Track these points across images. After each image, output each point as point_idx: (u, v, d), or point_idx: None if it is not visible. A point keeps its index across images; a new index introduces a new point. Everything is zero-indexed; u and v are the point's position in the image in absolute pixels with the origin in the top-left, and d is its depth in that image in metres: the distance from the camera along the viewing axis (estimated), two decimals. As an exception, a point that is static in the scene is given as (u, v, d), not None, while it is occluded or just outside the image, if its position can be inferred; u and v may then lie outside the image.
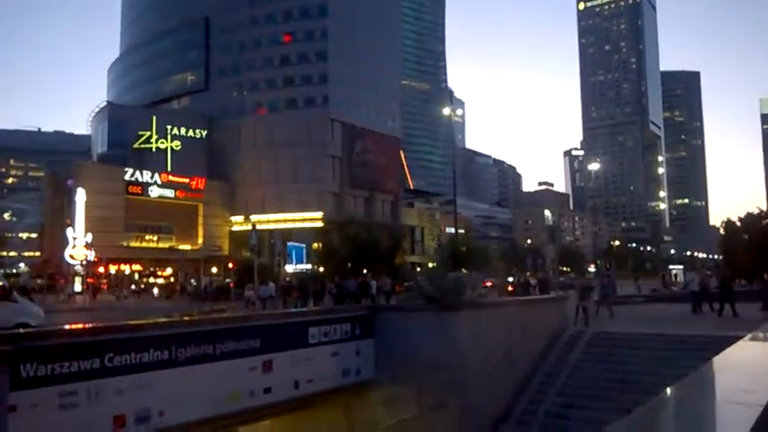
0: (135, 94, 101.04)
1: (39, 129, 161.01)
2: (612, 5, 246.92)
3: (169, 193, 77.64)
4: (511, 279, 51.11)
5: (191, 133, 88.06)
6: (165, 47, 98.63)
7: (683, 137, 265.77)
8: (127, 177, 73.76)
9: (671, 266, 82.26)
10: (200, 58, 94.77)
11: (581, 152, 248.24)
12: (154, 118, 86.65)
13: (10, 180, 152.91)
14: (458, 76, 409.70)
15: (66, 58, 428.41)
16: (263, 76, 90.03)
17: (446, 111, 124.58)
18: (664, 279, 56.35)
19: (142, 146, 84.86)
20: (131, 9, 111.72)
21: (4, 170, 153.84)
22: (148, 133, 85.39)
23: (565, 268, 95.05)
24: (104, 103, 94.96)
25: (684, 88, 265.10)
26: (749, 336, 7.15)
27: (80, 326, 16.46)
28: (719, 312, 23.04)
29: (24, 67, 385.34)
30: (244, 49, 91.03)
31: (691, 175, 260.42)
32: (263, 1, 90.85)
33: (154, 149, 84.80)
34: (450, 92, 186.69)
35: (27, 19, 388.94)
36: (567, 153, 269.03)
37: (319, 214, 78.45)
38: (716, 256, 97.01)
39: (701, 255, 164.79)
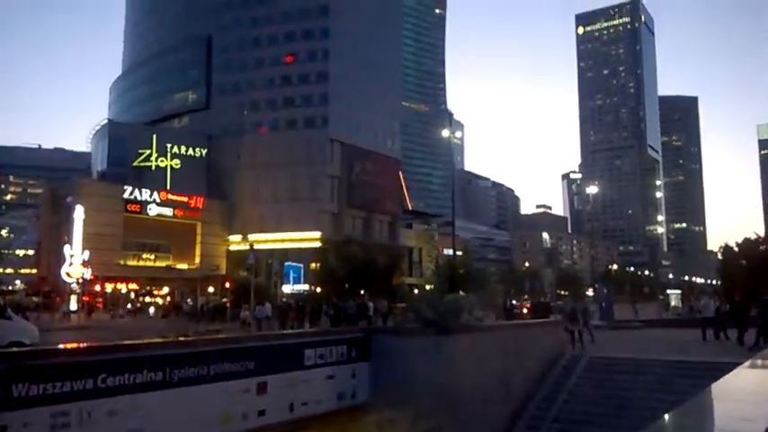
0: (136, 111, 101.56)
1: (39, 145, 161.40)
2: (611, 30, 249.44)
3: (168, 211, 77.59)
4: (515, 302, 50.91)
5: (190, 152, 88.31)
6: (166, 65, 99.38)
7: (680, 161, 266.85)
8: (126, 195, 73.76)
9: (669, 291, 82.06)
10: (201, 77, 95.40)
11: (579, 175, 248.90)
12: (154, 136, 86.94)
13: (8, 196, 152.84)
14: (457, 98, 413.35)
15: (68, 76, 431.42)
16: (263, 95, 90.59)
17: (445, 133, 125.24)
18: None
19: (142, 164, 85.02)
20: (134, 27, 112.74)
21: (3, 187, 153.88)
22: (148, 151, 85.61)
23: (563, 292, 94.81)
24: (105, 121, 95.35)
25: (682, 113, 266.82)
26: (748, 363, 7.09)
27: (74, 345, 16.33)
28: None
29: (26, 84, 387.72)
30: (245, 69, 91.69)
31: (689, 200, 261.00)
32: (265, 21, 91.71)
33: (153, 168, 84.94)
34: (450, 114, 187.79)
35: (29, 36, 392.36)
36: (566, 176, 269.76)
37: (317, 234, 78.37)
38: (714, 282, 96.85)
39: (699, 280, 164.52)
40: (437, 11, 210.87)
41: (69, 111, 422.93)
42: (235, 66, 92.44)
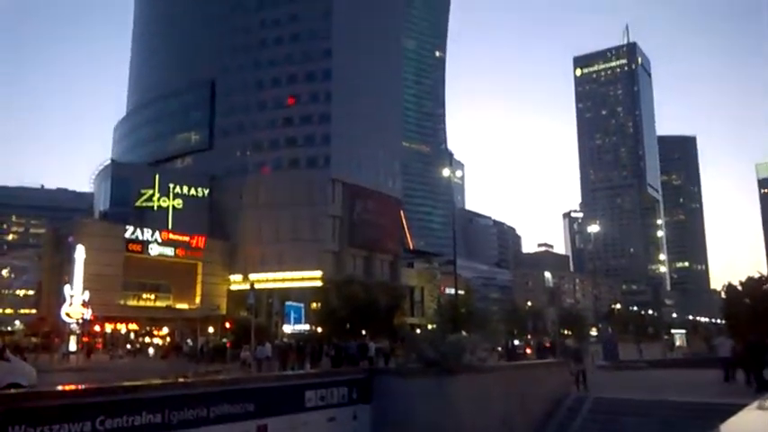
0: (139, 152, 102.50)
1: (42, 186, 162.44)
2: (609, 72, 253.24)
3: (169, 251, 77.54)
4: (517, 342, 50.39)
5: (193, 192, 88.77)
6: (170, 107, 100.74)
7: (681, 200, 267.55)
8: (127, 235, 73.82)
9: (673, 330, 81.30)
10: (204, 119, 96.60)
11: (580, 214, 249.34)
12: (157, 176, 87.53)
13: (10, 236, 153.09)
14: (458, 137, 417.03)
15: (72, 117, 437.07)
16: (266, 136, 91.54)
17: (446, 172, 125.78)
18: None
19: (144, 204, 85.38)
20: (139, 69, 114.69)
21: (5, 226, 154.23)
22: (151, 191, 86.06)
23: (566, 331, 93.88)
24: (108, 162, 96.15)
25: (681, 153, 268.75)
26: (755, 404, 6.99)
27: (72, 387, 16.13)
28: (748, 381, 20.54)
29: (30, 124, 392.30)
30: (248, 110, 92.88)
31: (690, 239, 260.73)
32: (268, 64, 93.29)
33: (155, 208, 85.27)
34: (450, 154, 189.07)
35: (34, 77, 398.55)
36: (567, 215, 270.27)
37: (318, 273, 78.15)
38: (718, 321, 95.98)
39: (703, 319, 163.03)
40: (437, 54, 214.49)
41: (73, 151, 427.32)
42: (238, 107, 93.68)
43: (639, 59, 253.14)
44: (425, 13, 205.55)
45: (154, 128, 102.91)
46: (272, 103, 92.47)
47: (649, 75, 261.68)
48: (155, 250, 75.90)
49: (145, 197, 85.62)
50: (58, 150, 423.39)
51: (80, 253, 61.86)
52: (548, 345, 37.47)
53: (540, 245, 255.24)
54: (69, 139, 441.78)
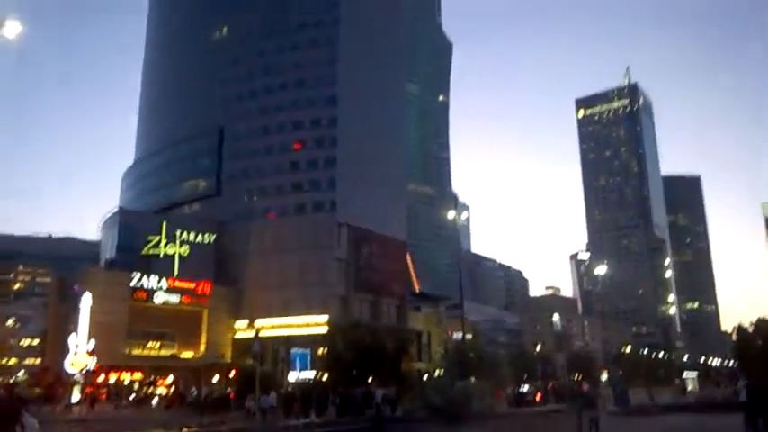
0: (147, 200, 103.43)
1: (50, 235, 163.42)
2: (611, 113, 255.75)
3: (174, 298, 77.32)
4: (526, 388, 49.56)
5: (199, 238, 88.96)
6: (179, 153, 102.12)
7: (688, 240, 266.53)
8: (133, 283, 73.75)
9: (685, 374, 79.86)
10: (212, 165, 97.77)
11: (587, 255, 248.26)
12: (164, 223, 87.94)
13: (17, 286, 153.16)
14: (462, 179, 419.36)
15: (82, 165, 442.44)
16: (272, 182, 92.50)
17: (451, 214, 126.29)
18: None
19: (150, 251, 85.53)
20: (148, 117, 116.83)
21: (12, 276, 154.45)
22: (157, 238, 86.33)
23: (577, 376, 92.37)
24: (116, 209, 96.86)
25: (686, 192, 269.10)
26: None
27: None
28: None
29: (38, 173, 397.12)
30: (255, 156, 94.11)
31: (698, 279, 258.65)
32: (274, 110, 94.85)
33: (162, 255, 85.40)
34: (455, 196, 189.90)
35: (41, 125, 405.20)
36: (574, 257, 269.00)
37: (325, 318, 77.54)
38: (730, 363, 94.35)
39: (715, 361, 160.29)
40: (440, 98, 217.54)
41: (83, 200, 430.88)
42: (245, 153, 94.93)
43: (641, 100, 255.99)
44: (428, 58, 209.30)
45: (162, 175, 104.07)
46: (279, 148, 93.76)
47: (651, 115, 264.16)
48: (160, 298, 75.70)
49: (151, 244, 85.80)
50: (67, 199, 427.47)
51: (86, 301, 61.73)
52: (552, 387, 36.81)
53: (547, 287, 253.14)
54: (78, 188, 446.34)
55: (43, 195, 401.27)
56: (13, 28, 32.53)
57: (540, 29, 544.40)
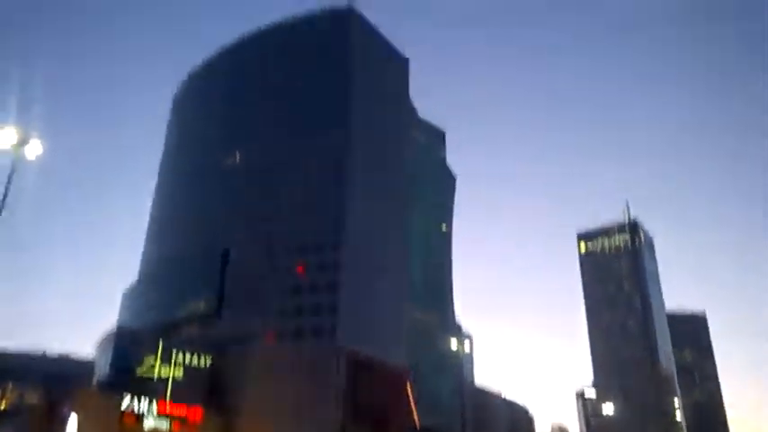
0: (146, 318, 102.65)
1: (44, 352, 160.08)
2: (613, 248, 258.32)
3: (164, 424, 74.43)
4: None
5: (195, 361, 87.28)
6: (181, 274, 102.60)
7: (696, 379, 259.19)
8: (123, 406, 71.45)
9: None
10: (213, 287, 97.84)
11: (593, 392, 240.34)
12: (160, 344, 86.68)
13: (3, 404, 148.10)
14: (466, 310, 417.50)
15: (81, 282, 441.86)
16: (273, 305, 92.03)
17: (453, 344, 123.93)
18: None
19: (144, 373, 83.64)
20: (154, 237, 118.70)
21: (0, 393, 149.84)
22: (153, 360, 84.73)
23: None
24: (113, 328, 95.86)
25: (692, 329, 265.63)
26: None
27: None
28: None
29: (36, 288, 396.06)
30: (257, 279, 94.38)
31: (710, 422, 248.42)
32: (280, 234, 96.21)
33: (156, 377, 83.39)
34: (459, 325, 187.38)
35: (39, 239, 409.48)
36: (580, 395, 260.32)
37: (320, 452, 74.09)
38: None
39: None
40: (443, 227, 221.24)
41: (80, 317, 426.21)
42: (247, 276, 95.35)
43: (642, 235, 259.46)
44: (432, 189, 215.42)
45: (163, 294, 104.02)
46: (282, 271, 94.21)
47: (653, 250, 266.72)
48: (150, 423, 72.95)
49: (146, 366, 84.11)
50: (67, 316, 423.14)
51: (72, 424, 59.55)
52: None
53: (553, 425, 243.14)
54: (80, 306, 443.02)
55: (43, 312, 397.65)
56: (34, 148, 33.93)
57: (540, 160, 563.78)
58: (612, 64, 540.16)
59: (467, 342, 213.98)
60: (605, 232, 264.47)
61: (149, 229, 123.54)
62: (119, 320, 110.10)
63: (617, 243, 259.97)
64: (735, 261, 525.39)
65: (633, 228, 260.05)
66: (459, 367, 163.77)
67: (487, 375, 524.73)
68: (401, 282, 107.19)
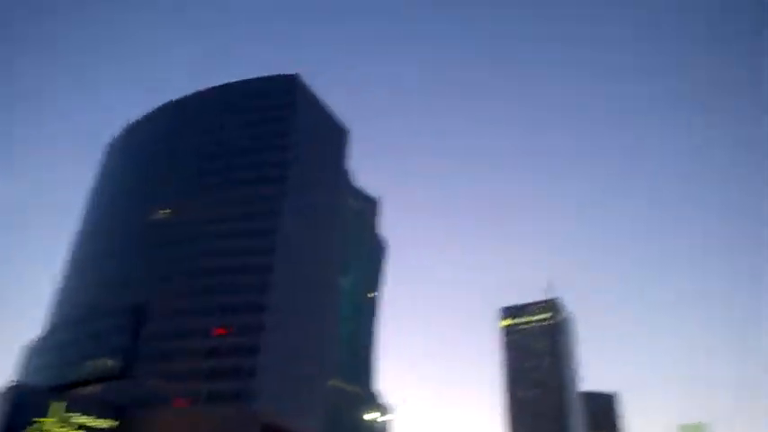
0: (47, 375, 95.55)
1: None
2: (533, 324, 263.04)
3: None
4: None
5: (96, 423, 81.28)
6: (90, 329, 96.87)
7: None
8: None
9: None
10: (124, 344, 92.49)
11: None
12: (56, 404, 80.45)
13: None
14: (390, 378, 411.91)
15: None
16: (186, 366, 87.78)
17: (373, 417, 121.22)
18: None
19: (37, 435, 77.06)
20: (65, 288, 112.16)
21: None
22: (48, 420, 78.32)
23: None
24: (9, 383, 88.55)
25: (606, 409, 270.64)
26: None
27: None
28: None
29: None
30: (172, 338, 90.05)
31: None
32: (201, 293, 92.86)
33: (51, 439, 76.93)
34: (380, 397, 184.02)
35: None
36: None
37: None
38: None
39: None
40: (372, 294, 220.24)
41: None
42: (162, 335, 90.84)
43: (562, 314, 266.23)
44: (363, 255, 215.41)
45: (69, 350, 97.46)
46: (199, 332, 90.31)
47: (572, 329, 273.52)
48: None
49: (38, 427, 77.59)
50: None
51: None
52: None
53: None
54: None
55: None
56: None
57: (469, 232, 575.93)
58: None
59: (388, 415, 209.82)
60: (527, 309, 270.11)
61: (61, 281, 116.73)
62: (18, 376, 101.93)
63: (537, 320, 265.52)
64: (650, 343, 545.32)
65: (553, 306, 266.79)
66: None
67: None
68: (326, 349, 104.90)
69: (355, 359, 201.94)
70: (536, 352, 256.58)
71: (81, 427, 79.60)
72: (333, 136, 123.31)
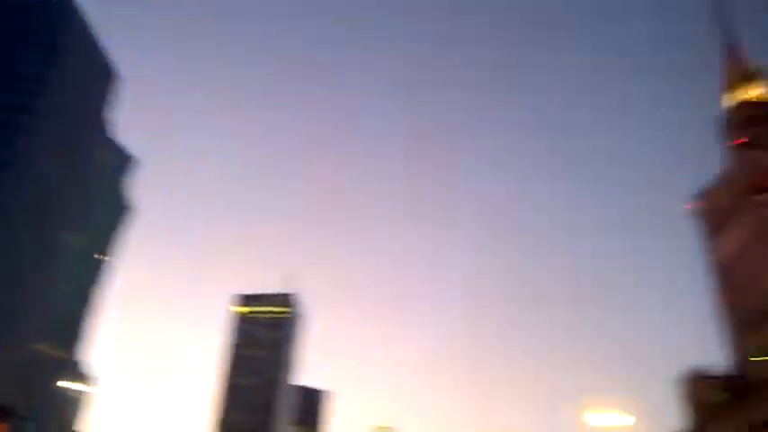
0: None
1: None
2: (265, 317, 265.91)
3: None
4: None
5: None
6: None
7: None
8: None
9: None
10: None
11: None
12: None
13: None
14: (104, 352, 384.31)
15: None
16: None
17: (69, 384, 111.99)
18: None
19: None
20: None
21: None
22: None
23: None
24: None
25: (317, 405, 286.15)
26: None
27: None
28: None
29: None
30: None
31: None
32: None
33: None
34: (84, 366, 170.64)
35: None
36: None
37: None
38: None
39: None
40: (101, 257, 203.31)
41: None
42: None
43: (297, 310, 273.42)
44: (103, 215, 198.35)
45: None
46: None
47: (304, 325, 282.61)
48: None
49: None
50: None
51: None
52: None
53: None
54: None
55: None
56: None
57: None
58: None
59: (88, 384, 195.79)
60: (262, 299, 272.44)
61: None
62: None
63: (270, 311, 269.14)
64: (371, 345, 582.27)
65: (289, 301, 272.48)
66: (74, 411, 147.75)
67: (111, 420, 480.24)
68: (35, 310, 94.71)
69: (69, 323, 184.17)
70: (262, 343, 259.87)
71: None
72: (100, 77, 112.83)
